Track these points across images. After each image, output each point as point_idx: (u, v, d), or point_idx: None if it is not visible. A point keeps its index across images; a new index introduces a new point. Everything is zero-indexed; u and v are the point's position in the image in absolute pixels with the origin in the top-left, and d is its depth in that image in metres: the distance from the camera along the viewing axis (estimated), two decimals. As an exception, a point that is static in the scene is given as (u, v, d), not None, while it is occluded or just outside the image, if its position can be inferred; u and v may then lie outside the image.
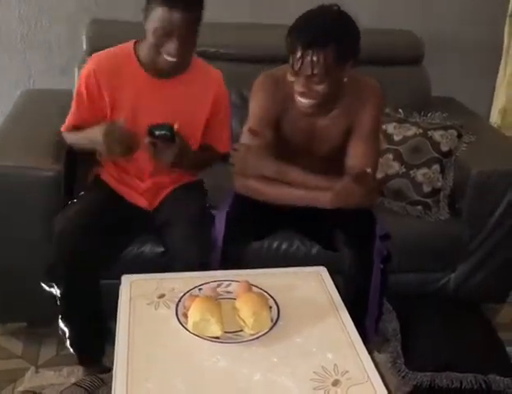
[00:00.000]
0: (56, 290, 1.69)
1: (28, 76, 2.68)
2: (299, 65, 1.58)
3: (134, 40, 1.80)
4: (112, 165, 1.90)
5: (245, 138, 1.76)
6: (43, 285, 1.72)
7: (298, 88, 1.64)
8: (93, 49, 2.22)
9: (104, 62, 1.79)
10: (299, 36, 1.57)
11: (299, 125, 1.77)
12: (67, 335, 1.77)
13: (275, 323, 1.38)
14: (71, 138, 1.88)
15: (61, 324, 1.76)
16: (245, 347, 1.33)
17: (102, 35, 2.24)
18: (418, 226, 2.11)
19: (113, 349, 1.35)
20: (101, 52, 1.83)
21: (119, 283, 1.55)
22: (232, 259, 1.72)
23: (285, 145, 1.82)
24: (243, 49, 2.39)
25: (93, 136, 1.71)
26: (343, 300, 1.52)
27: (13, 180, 1.83)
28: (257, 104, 1.78)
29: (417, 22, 2.64)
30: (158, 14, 1.62)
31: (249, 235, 1.83)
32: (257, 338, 1.34)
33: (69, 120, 1.87)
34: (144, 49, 1.74)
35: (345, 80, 1.66)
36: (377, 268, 1.72)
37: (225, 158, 1.90)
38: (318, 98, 1.65)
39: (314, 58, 1.56)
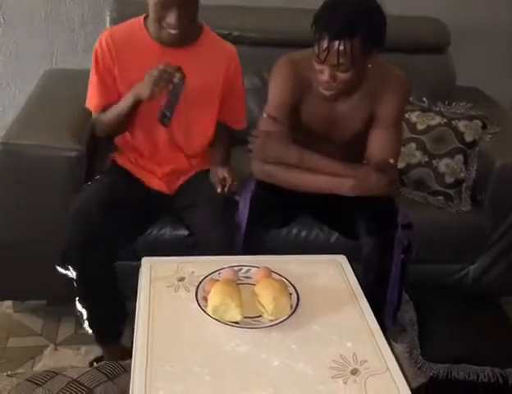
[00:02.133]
0: (71, 273, 1.70)
1: (50, 55, 2.68)
2: (325, 54, 1.56)
3: (144, 14, 1.82)
4: (129, 150, 1.89)
5: (265, 124, 1.75)
6: (58, 268, 1.72)
7: (323, 77, 1.62)
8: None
9: (116, 34, 1.82)
10: (325, 26, 1.55)
11: (319, 110, 1.76)
12: (85, 317, 1.78)
13: (294, 310, 1.38)
14: (107, 114, 1.83)
15: (79, 306, 1.77)
16: (264, 333, 1.33)
17: (126, 15, 2.21)
18: (438, 217, 2.10)
19: (132, 329, 1.36)
20: (114, 26, 1.87)
21: (139, 265, 1.56)
22: (255, 244, 1.72)
23: (304, 131, 1.81)
24: (265, 33, 2.38)
25: (134, 89, 1.72)
26: (362, 289, 1.51)
27: (36, 159, 1.84)
28: (276, 90, 1.77)
29: (443, 9, 2.59)
30: None
31: (272, 220, 1.83)
32: (276, 324, 1.34)
33: (94, 100, 1.84)
34: (151, 24, 1.77)
35: (369, 66, 1.64)
36: (397, 258, 1.71)
37: (240, 139, 1.89)
38: (342, 86, 1.63)
39: (341, 48, 1.54)
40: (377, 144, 1.73)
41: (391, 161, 1.67)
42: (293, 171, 1.71)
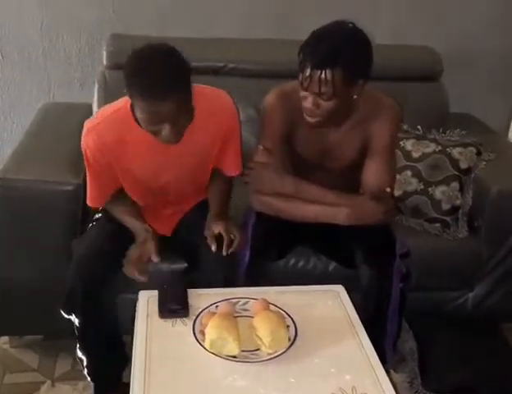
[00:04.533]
0: (74, 319, 1.69)
1: (48, 89, 2.71)
2: (307, 82, 1.59)
3: (129, 101, 1.57)
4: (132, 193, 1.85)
5: (260, 156, 1.76)
6: (62, 312, 1.70)
7: (306, 104, 1.64)
8: (112, 63, 2.27)
9: (105, 135, 1.64)
10: (308, 54, 1.58)
11: (312, 139, 1.77)
12: (85, 364, 1.76)
13: (292, 343, 1.37)
14: (111, 209, 1.80)
15: (79, 353, 1.76)
16: (262, 367, 1.32)
17: (123, 50, 2.22)
18: (436, 244, 2.09)
19: (129, 364, 1.35)
20: (96, 121, 1.66)
21: (136, 297, 1.56)
22: (257, 278, 1.72)
23: (299, 161, 1.83)
24: (259, 64, 2.40)
25: (136, 229, 1.74)
26: (361, 319, 1.50)
27: (33, 193, 1.84)
28: (268, 121, 1.79)
29: (435, 37, 2.63)
30: (141, 106, 1.48)
31: (273, 252, 1.83)
32: (274, 358, 1.33)
33: (93, 194, 1.77)
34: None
35: (355, 97, 1.65)
36: (396, 288, 1.71)
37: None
38: (325, 115, 1.65)
39: (322, 77, 1.56)
40: (372, 173, 1.74)
41: (388, 190, 1.68)
42: (290, 201, 1.72)
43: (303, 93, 1.64)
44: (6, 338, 2.10)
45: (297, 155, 1.82)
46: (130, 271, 1.65)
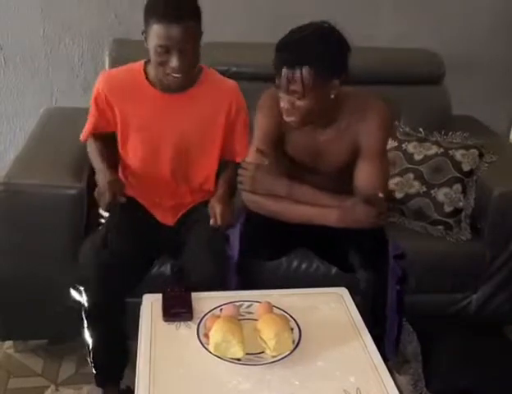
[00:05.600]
0: (83, 299, 1.68)
1: (50, 94, 2.72)
2: (279, 81, 1.62)
3: (144, 60, 1.82)
4: (132, 185, 1.91)
5: (253, 157, 1.77)
6: (72, 291, 1.71)
7: (281, 104, 1.66)
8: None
9: (113, 80, 1.83)
10: (279, 54, 1.61)
11: (302, 142, 1.78)
12: (90, 346, 1.75)
13: (297, 345, 1.37)
14: (89, 149, 1.91)
15: (86, 334, 1.74)
16: (267, 369, 1.32)
17: (125, 54, 2.26)
18: (438, 247, 2.09)
19: (132, 371, 1.35)
20: (111, 69, 1.87)
21: (139, 301, 1.56)
22: (248, 277, 1.73)
23: (291, 162, 1.84)
24: (262, 68, 2.37)
25: (98, 172, 1.80)
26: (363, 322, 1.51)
27: (37, 198, 1.85)
28: (261, 121, 1.80)
29: (437, 40, 2.64)
30: (155, 31, 1.63)
31: (263, 251, 1.83)
32: (278, 360, 1.33)
33: (87, 127, 1.91)
34: (152, 69, 1.76)
35: (332, 96, 1.65)
36: (392, 289, 1.71)
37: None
38: (301, 113, 1.65)
39: (290, 75, 1.58)
40: (364, 177, 1.73)
41: (381, 195, 1.67)
42: (281, 202, 1.73)
43: (278, 93, 1.66)
44: (10, 343, 2.10)
45: (289, 157, 1.83)
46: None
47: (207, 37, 2.50)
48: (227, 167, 1.94)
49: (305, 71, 1.56)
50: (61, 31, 2.62)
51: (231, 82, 1.91)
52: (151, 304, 1.53)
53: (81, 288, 1.67)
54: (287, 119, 1.68)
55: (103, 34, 2.59)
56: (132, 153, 1.87)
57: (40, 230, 1.87)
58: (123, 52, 2.30)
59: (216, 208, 1.79)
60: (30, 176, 1.89)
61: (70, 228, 1.88)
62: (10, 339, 2.10)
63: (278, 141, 1.80)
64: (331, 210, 1.67)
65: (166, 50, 1.64)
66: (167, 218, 1.91)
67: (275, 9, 2.66)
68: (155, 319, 1.48)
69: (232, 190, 1.91)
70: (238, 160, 1.91)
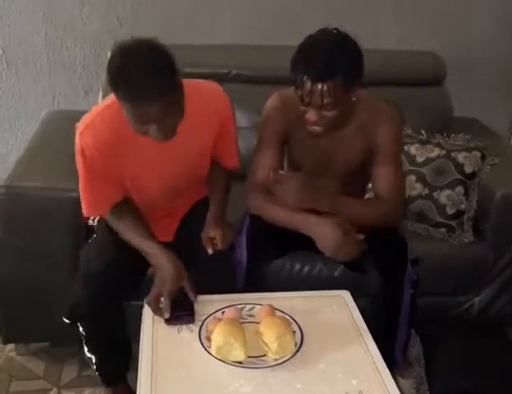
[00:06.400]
0: (80, 327, 1.68)
1: (52, 97, 2.72)
2: (309, 97, 1.57)
3: None
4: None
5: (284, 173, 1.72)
6: (65, 320, 1.66)
7: (310, 118, 1.62)
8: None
9: (102, 129, 1.58)
10: (305, 69, 1.56)
11: (311, 145, 1.77)
12: (94, 361, 1.76)
13: (298, 348, 1.37)
14: (115, 224, 1.67)
15: (87, 353, 1.75)
16: (269, 372, 1.32)
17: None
18: (441, 249, 2.09)
19: (136, 371, 1.35)
20: (90, 118, 1.60)
21: (141, 305, 1.56)
22: (256, 280, 1.72)
23: (297, 167, 1.83)
24: (263, 71, 2.41)
25: (154, 256, 1.60)
26: (371, 325, 1.50)
27: (38, 200, 1.85)
28: (267, 124, 1.79)
29: (439, 41, 2.64)
30: (126, 108, 1.44)
31: (271, 252, 1.82)
32: (280, 363, 1.33)
33: (89, 200, 1.66)
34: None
35: (354, 99, 1.65)
36: (407, 294, 1.70)
37: (234, 174, 1.86)
38: (330, 124, 1.64)
39: (324, 89, 1.54)
40: (386, 182, 1.73)
41: (361, 237, 1.67)
42: (284, 211, 1.69)
43: (304, 108, 1.62)
44: (12, 346, 2.10)
45: (296, 162, 1.83)
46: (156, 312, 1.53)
47: (207, 40, 2.53)
48: (217, 170, 1.82)
49: (333, 83, 1.54)
50: (63, 34, 2.63)
51: (216, 90, 1.71)
52: (153, 307, 1.53)
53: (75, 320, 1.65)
54: (312, 129, 1.66)
55: (105, 37, 2.59)
56: (134, 192, 1.73)
57: (42, 232, 1.87)
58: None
59: (215, 235, 1.68)
60: (32, 178, 1.89)
61: (72, 231, 1.87)
62: (12, 342, 2.09)
63: (283, 145, 1.79)
64: (331, 238, 1.63)
65: (144, 123, 1.45)
66: (166, 235, 1.81)
67: (275, 12, 2.66)
68: (157, 322, 1.48)
69: (225, 209, 1.81)
70: (229, 165, 1.83)
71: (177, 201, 1.83)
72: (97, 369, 1.78)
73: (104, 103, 1.65)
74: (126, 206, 1.68)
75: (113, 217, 1.67)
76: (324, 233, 1.63)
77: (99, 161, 1.60)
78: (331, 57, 1.54)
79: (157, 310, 1.51)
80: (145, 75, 1.38)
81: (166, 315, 1.48)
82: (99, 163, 1.60)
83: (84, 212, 1.68)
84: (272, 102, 1.80)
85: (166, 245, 1.73)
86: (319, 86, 1.54)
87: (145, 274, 1.81)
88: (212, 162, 1.81)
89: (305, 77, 1.55)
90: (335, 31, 1.61)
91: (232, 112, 1.78)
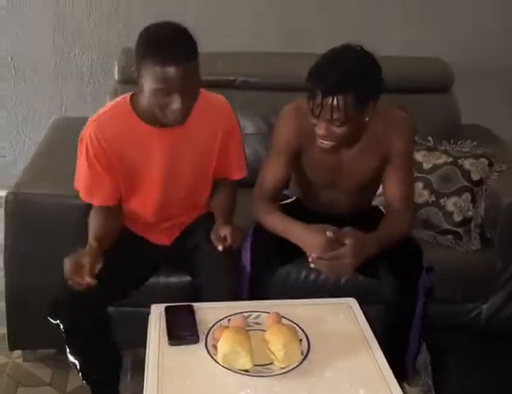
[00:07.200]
0: (60, 324, 1.65)
1: (60, 104, 2.74)
2: (319, 110, 1.57)
3: (128, 94, 1.69)
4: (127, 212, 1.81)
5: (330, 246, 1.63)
6: (49, 318, 1.65)
7: (319, 131, 1.62)
8: (124, 78, 2.28)
9: (106, 126, 1.66)
10: (318, 82, 1.56)
11: (322, 161, 1.76)
12: (78, 367, 1.71)
13: (305, 357, 1.37)
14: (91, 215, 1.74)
15: (71, 357, 1.70)
16: (275, 381, 1.31)
17: (133, 64, 2.27)
18: (448, 256, 2.08)
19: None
20: (97, 116, 1.68)
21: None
22: (261, 287, 1.72)
23: (308, 179, 1.83)
24: (270, 78, 2.42)
25: (89, 239, 1.65)
26: (381, 334, 1.50)
27: (46, 208, 1.86)
28: (280, 134, 1.78)
29: (446, 48, 2.64)
30: (153, 74, 1.50)
31: (275, 259, 1.82)
32: (287, 372, 1.33)
33: (90, 197, 1.73)
34: (145, 105, 1.59)
35: (367, 119, 1.64)
36: (420, 301, 1.70)
37: (243, 183, 1.87)
38: (339, 139, 1.64)
39: (334, 104, 1.54)
40: (398, 189, 1.75)
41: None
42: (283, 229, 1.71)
43: (314, 120, 1.62)
44: (19, 352, 2.10)
45: (307, 174, 1.83)
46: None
47: (214, 47, 2.53)
48: (223, 186, 1.85)
49: (344, 98, 1.53)
50: (71, 41, 2.65)
51: (222, 101, 1.78)
52: (159, 315, 1.53)
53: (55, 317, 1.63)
54: (323, 145, 1.66)
55: (112, 44, 2.61)
56: (131, 195, 1.77)
57: (49, 239, 1.88)
58: (132, 61, 2.30)
59: (225, 231, 1.69)
60: (40, 185, 1.90)
61: (79, 238, 1.87)
62: (18, 348, 2.09)
63: (295, 156, 1.78)
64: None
65: (166, 93, 1.52)
66: (162, 239, 1.84)
67: (283, 20, 2.67)
68: (163, 330, 1.48)
69: (231, 211, 1.83)
70: (236, 177, 1.84)
71: (176, 213, 1.82)
72: (84, 378, 1.73)
73: (112, 102, 1.73)
74: (109, 209, 1.73)
75: (93, 212, 1.73)
76: (309, 241, 1.64)
77: (101, 156, 1.65)
78: (345, 73, 1.54)
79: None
80: (174, 41, 1.53)
81: (88, 279, 1.50)
82: (101, 160, 1.65)
83: (82, 195, 1.74)
84: (286, 112, 1.80)
85: (163, 249, 1.79)
86: (329, 100, 1.54)
87: (141, 282, 1.83)
88: (217, 180, 1.83)
89: (317, 89, 1.55)
90: (358, 48, 1.60)
91: (238, 122, 1.81)
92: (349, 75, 1.54)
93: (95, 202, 1.73)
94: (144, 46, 1.55)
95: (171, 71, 1.49)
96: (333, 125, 1.59)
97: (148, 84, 1.53)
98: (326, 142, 1.64)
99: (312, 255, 1.62)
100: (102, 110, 1.71)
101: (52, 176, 1.97)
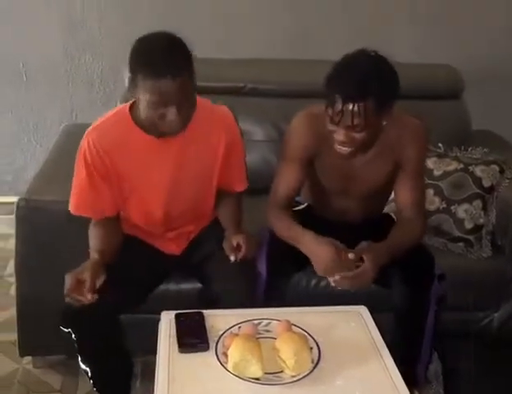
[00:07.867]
0: (72, 333, 1.65)
1: (71, 110, 2.76)
2: (339, 117, 1.56)
3: (128, 104, 1.66)
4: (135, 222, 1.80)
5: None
6: (61, 328, 1.65)
7: (338, 137, 1.61)
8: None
9: (105, 135, 1.64)
10: (338, 88, 1.55)
11: (335, 167, 1.76)
12: (89, 375, 1.72)
13: (316, 365, 1.36)
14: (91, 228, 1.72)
15: (82, 365, 1.71)
16: (286, 389, 1.31)
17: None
18: (459, 264, 2.07)
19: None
20: (96, 124, 1.68)
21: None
22: (277, 293, 1.72)
23: (320, 185, 1.82)
24: (279, 84, 2.42)
25: (91, 253, 1.65)
26: (393, 340, 1.49)
27: (57, 214, 1.85)
28: (293, 142, 1.78)
29: (456, 55, 2.63)
30: (148, 86, 1.48)
31: (291, 267, 1.81)
32: (298, 380, 1.32)
33: (78, 200, 1.71)
34: (142, 116, 1.57)
35: (385, 123, 1.63)
36: (432, 310, 1.69)
37: (254, 189, 1.86)
38: (358, 145, 1.63)
39: (355, 110, 1.53)
40: (410, 197, 1.74)
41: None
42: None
43: (333, 127, 1.61)
44: (29, 358, 2.11)
45: (319, 180, 1.82)
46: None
47: (223, 54, 2.54)
48: (227, 196, 1.83)
49: (365, 104, 1.53)
50: (82, 48, 2.66)
51: (223, 110, 1.76)
52: (169, 322, 1.53)
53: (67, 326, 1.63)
54: (341, 150, 1.65)
55: (122, 51, 2.59)
56: (126, 202, 1.74)
57: (59, 246, 1.88)
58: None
59: (237, 240, 1.68)
60: (51, 192, 1.91)
61: (86, 244, 1.88)
62: (29, 355, 2.10)
63: (308, 164, 1.78)
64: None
65: (162, 105, 1.49)
66: (171, 247, 1.83)
67: (291, 26, 2.68)
68: (173, 338, 1.47)
69: (240, 219, 1.83)
70: (237, 189, 1.83)
71: (181, 223, 1.81)
72: (95, 385, 1.73)
73: (111, 111, 1.72)
74: (109, 221, 1.71)
75: (93, 225, 1.72)
76: (317, 252, 1.65)
77: (99, 165, 1.63)
78: (365, 79, 1.53)
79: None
80: (167, 53, 1.50)
81: (89, 297, 1.51)
82: (99, 168, 1.64)
83: (71, 208, 1.71)
84: (298, 119, 1.79)
85: (173, 258, 1.78)
86: (350, 106, 1.53)
87: (151, 291, 1.82)
88: (220, 192, 1.81)
89: (337, 96, 1.54)
90: (372, 53, 1.59)
91: (240, 136, 1.79)
92: (369, 80, 1.53)
93: (92, 214, 1.71)
94: (136, 58, 1.53)
95: (164, 83, 1.46)
96: (353, 131, 1.58)
97: (142, 96, 1.51)
98: (344, 148, 1.64)
99: (335, 278, 1.63)
100: (101, 119, 1.70)
101: (63, 182, 1.96)
